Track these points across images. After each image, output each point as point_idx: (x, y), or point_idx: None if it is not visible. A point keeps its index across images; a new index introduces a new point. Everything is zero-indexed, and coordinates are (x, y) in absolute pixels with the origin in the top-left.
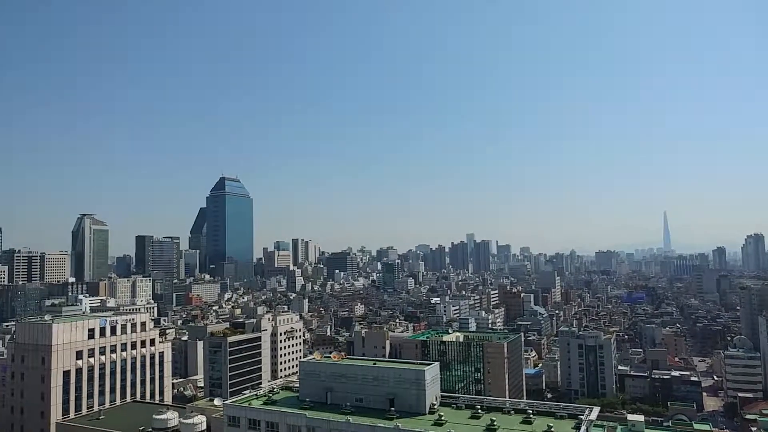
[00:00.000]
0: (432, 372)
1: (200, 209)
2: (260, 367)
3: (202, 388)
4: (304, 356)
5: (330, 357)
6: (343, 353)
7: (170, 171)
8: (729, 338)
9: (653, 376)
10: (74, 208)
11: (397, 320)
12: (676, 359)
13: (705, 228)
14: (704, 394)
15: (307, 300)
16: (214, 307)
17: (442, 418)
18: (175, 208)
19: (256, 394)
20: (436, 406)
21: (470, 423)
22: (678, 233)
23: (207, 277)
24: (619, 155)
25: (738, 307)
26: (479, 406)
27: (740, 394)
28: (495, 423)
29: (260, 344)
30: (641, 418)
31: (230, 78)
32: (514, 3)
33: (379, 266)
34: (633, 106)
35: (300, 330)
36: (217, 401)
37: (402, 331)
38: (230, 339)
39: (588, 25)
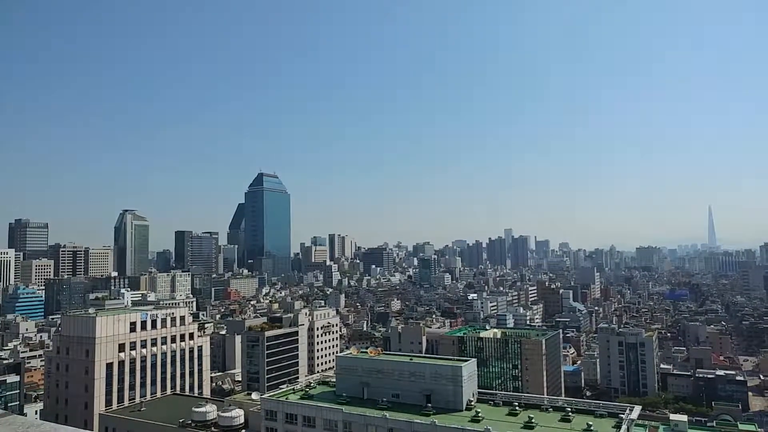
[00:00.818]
0: (469, 368)
1: (239, 205)
2: (297, 362)
3: (239, 382)
4: (341, 351)
5: (366, 352)
6: (379, 348)
7: (210, 168)
8: None
9: (697, 375)
10: (118, 205)
11: (434, 316)
12: (721, 358)
13: (752, 223)
14: (750, 393)
15: (343, 295)
16: (252, 302)
17: (479, 414)
18: (215, 205)
19: (293, 389)
20: (473, 403)
21: (508, 420)
22: (723, 229)
23: (245, 272)
24: (661, 148)
25: None
26: (517, 403)
27: None
28: (533, 420)
29: (297, 339)
30: (684, 418)
31: (265, 74)
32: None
33: (416, 262)
34: (672, 99)
35: (336, 325)
36: (254, 395)
37: (438, 327)
38: (268, 333)
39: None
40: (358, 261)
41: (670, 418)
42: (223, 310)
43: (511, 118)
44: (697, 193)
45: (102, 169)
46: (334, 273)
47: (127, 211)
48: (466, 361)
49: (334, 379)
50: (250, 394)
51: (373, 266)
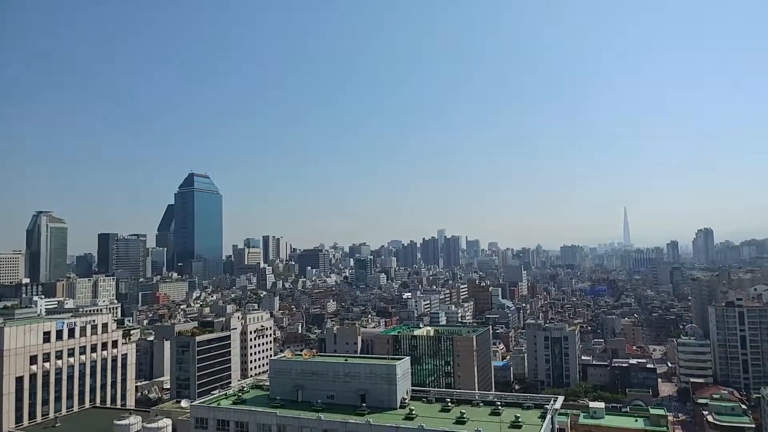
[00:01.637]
0: (403, 366)
1: (168, 206)
2: (230, 367)
3: (168, 390)
4: (275, 354)
5: (301, 354)
6: (314, 350)
7: (137, 167)
8: (681, 327)
9: (613, 365)
10: (30, 206)
11: (369, 316)
12: (634, 348)
13: (661, 223)
14: (659, 380)
15: (278, 298)
16: (181, 307)
17: (413, 412)
18: (143, 206)
19: (225, 394)
20: (407, 401)
21: (441, 416)
22: (637, 228)
23: (174, 275)
24: (581, 153)
25: (689, 298)
26: (449, 399)
27: (692, 380)
28: (464, 415)
29: (229, 343)
30: (602, 405)
31: (200, 74)
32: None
33: (352, 262)
34: (594, 106)
35: (270, 328)
36: (184, 403)
37: (374, 327)
38: (198, 338)
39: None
40: (293, 263)
41: (590, 405)
42: (151, 315)
43: (440, 120)
44: (615, 196)
45: (12, 168)
46: (268, 275)
47: (41, 212)
48: (400, 359)
49: (268, 383)
50: (179, 402)
51: (309, 268)
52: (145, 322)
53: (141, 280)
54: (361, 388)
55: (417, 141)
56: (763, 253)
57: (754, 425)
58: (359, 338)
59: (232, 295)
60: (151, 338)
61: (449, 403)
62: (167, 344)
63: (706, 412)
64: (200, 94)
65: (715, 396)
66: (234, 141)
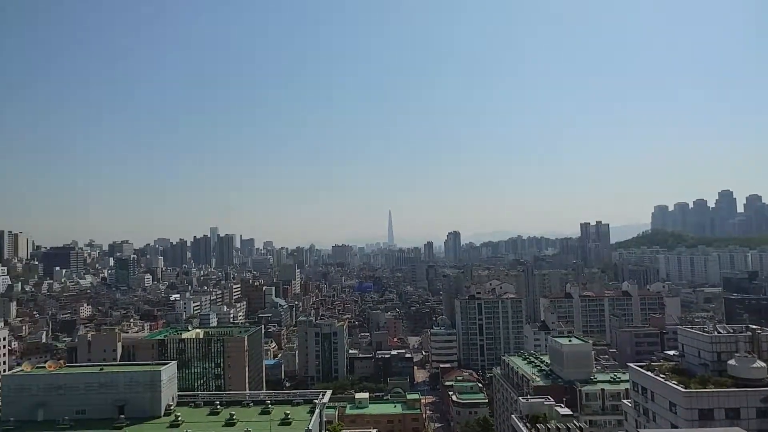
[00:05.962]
0: (169, 372)
1: None
2: None
3: None
4: (10, 369)
5: (44, 367)
6: (62, 361)
7: None
8: (434, 318)
9: (377, 357)
10: None
11: (132, 320)
12: (395, 340)
13: (419, 225)
14: (415, 367)
15: (14, 303)
16: None
17: (179, 418)
18: None
19: None
20: (172, 407)
21: (209, 420)
22: (400, 229)
23: None
24: (349, 161)
25: (441, 292)
26: (218, 402)
27: (441, 365)
28: (234, 417)
29: None
30: (366, 395)
31: None
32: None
33: (112, 262)
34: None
35: (5, 339)
36: None
37: (137, 332)
38: None
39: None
40: (36, 262)
41: (355, 396)
42: None
43: (212, 113)
44: (382, 199)
45: None
46: (2, 277)
47: None
48: (165, 364)
49: None
50: None
51: (58, 268)
52: None
53: None
54: (119, 398)
55: (191, 135)
56: (497, 253)
57: (486, 399)
58: (119, 345)
59: None
60: None
61: (218, 406)
62: None
63: (451, 393)
64: None
65: (458, 378)
66: None
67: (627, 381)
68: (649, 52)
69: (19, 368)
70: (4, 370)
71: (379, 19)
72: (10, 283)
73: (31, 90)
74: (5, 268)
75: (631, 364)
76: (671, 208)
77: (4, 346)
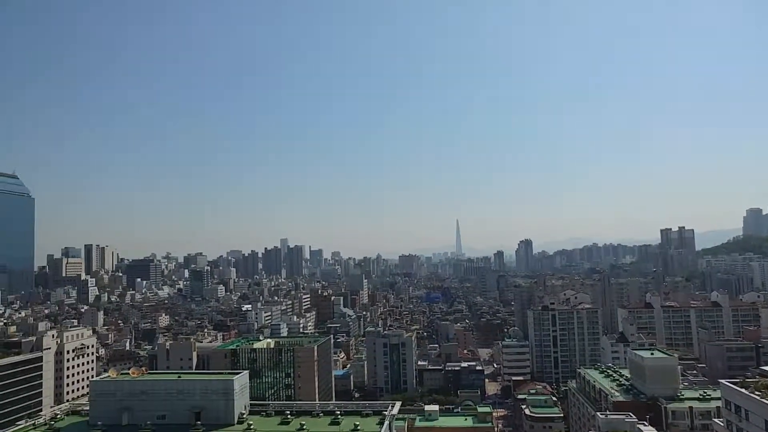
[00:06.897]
0: (241, 381)
1: None
2: (41, 392)
3: None
4: (98, 375)
5: (128, 373)
6: (144, 368)
7: None
8: (506, 330)
9: (446, 369)
10: None
11: (206, 330)
12: (465, 351)
13: (489, 234)
14: (486, 380)
15: (102, 312)
16: None
17: (252, 426)
18: None
19: (34, 424)
20: (245, 416)
21: (280, 429)
22: (468, 238)
23: None
24: (415, 170)
25: (512, 303)
26: (289, 412)
27: (513, 378)
28: (304, 426)
29: (41, 365)
30: (436, 407)
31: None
32: None
33: (187, 273)
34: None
35: (93, 346)
36: None
37: (211, 341)
38: None
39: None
40: (120, 274)
41: (425, 409)
42: None
43: (281, 129)
44: (449, 208)
45: None
46: (90, 288)
47: None
48: (238, 373)
49: (88, 408)
50: None
51: (139, 280)
52: None
53: None
54: (195, 405)
55: (253, 150)
56: (571, 262)
57: (561, 414)
58: (195, 354)
59: (46, 311)
60: None
61: (289, 416)
62: None
63: (524, 406)
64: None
65: (531, 391)
66: (50, 139)
67: (718, 398)
68: (750, 51)
69: (106, 374)
70: (93, 376)
71: (459, 22)
72: (97, 293)
73: (128, 116)
74: (93, 279)
75: (723, 381)
76: (766, 211)
77: (93, 353)
